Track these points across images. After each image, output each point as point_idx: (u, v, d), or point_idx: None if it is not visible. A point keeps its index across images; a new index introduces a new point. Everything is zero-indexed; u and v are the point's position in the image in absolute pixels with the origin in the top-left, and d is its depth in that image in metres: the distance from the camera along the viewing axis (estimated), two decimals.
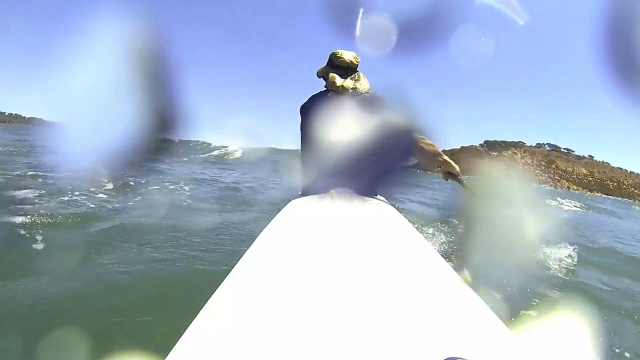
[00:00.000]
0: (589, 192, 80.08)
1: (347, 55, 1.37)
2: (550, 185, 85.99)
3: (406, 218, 0.96)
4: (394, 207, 1.10)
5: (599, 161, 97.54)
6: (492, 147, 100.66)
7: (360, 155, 0.88)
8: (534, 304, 1.18)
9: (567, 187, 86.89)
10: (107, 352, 1.11)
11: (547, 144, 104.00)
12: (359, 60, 1.41)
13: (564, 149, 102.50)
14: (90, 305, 1.56)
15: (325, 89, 1.38)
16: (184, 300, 1.46)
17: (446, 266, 0.59)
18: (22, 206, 3.26)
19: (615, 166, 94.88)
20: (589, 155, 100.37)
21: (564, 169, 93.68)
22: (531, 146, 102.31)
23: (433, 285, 0.52)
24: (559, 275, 1.41)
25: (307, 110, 1.33)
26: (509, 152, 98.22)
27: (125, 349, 1.16)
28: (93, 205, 3.85)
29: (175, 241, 2.58)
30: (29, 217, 2.90)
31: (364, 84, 1.35)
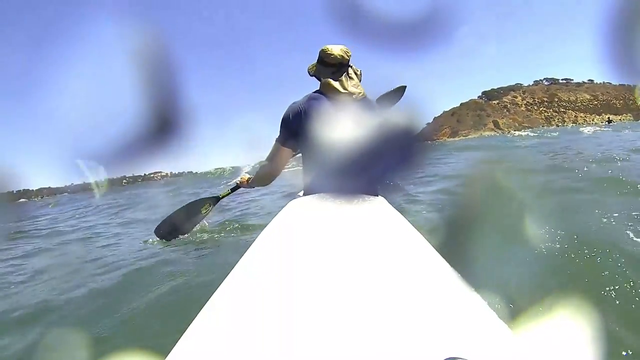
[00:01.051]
0: (597, 117, 79.95)
1: (337, 51, 1.36)
2: (558, 120, 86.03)
3: (407, 218, 0.97)
4: (395, 207, 1.12)
5: (600, 83, 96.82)
6: (491, 96, 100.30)
7: (361, 155, 0.89)
8: (535, 303, 1.16)
9: (575, 117, 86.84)
10: (107, 352, 1.15)
11: (544, 79, 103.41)
12: (350, 54, 1.38)
13: (562, 79, 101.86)
14: (91, 306, 1.61)
15: (319, 89, 1.39)
16: (184, 300, 1.51)
17: (447, 266, 0.59)
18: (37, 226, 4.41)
19: (617, 84, 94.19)
20: (589, 80, 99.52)
21: (566, 99, 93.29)
22: (529, 85, 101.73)
23: (433, 285, 0.52)
24: (561, 271, 1.39)
25: (310, 108, 1.33)
26: (509, 96, 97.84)
27: (125, 349, 1.20)
28: (94, 212, 4.95)
29: (175, 241, 2.68)
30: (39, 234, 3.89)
31: (360, 88, 1.36)
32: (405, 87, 1.80)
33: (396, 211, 1.03)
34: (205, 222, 2.77)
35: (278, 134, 1.41)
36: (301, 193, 1.40)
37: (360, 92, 1.33)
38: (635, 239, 1.49)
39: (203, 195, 2.81)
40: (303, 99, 1.36)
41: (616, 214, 1.80)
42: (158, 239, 2.54)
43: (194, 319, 0.45)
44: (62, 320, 1.48)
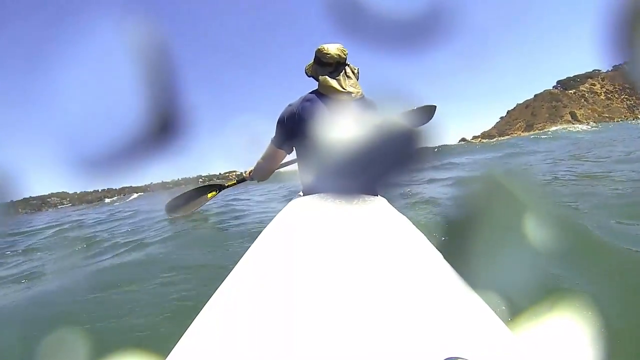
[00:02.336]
0: None
1: (334, 50, 1.36)
2: None
3: (408, 218, 0.99)
4: (395, 207, 1.13)
5: None
6: (567, 85, 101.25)
7: (361, 155, 0.89)
8: (535, 303, 1.10)
9: None
10: (107, 352, 1.14)
11: (625, 62, 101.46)
12: (347, 52, 1.38)
13: None
14: (91, 306, 1.63)
15: (317, 89, 1.39)
16: (185, 300, 1.53)
17: (447, 266, 0.60)
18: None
19: None
20: None
21: None
22: (608, 71, 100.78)
23: (433, 285, 0.53)
24: (562, 271, 1.31)
25: (303, 110, 1.33)
26: (586, 85, 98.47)
27: (125, 349, 1.20)
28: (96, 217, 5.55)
29: (176, 241, 2.76)
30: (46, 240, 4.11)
31: (358, 88, 1.37)
32: (435, 107, 1.86)
33: (397, 211, 1.06)
34: (209, 218, 3.16)
35: (274, 134, 1.44)
36: (301, 193, 1.44)
37: (358, 92, 1.36)
38: (637, 239, 1.49)
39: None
40: (297, 101, 1.38)
41: (618, 214, 1.79)
42: (166, 212, 2.71)
43: (194, 319, 0.46)
44: (61, 319, 1.50)
